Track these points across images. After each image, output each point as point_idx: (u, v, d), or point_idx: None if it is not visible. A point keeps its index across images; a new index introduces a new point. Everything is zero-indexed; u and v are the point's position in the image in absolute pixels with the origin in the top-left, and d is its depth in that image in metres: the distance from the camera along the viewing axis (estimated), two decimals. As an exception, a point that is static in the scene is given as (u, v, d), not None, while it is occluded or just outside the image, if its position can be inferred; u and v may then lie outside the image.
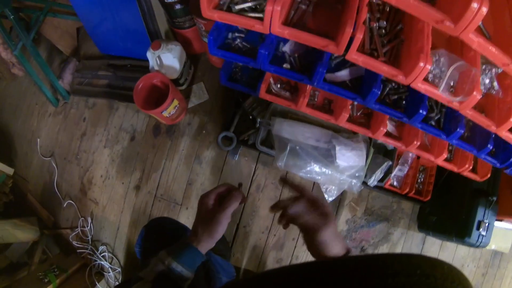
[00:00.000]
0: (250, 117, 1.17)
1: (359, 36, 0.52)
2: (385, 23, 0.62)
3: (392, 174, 1.10)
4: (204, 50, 1.29)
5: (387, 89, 0.75)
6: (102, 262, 1.28)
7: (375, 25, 0.61)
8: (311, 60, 0.75)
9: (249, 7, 0.64)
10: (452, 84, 0.58)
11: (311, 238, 0.53)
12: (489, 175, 0.87)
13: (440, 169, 1.13)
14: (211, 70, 1.29)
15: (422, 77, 0.53)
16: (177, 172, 1.27)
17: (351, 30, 0.52)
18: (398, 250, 1.25)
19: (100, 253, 1.29)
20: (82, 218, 1.32)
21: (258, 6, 0.64)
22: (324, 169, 1.00)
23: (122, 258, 1.30)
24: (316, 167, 1.00)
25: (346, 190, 1.07)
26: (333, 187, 1.12)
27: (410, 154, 1.12)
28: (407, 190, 1.10)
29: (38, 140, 1.40)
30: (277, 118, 1.04)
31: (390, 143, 0.87)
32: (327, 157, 1.01)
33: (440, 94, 0.55)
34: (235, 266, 1.22)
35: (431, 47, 0.53)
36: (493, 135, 0.67)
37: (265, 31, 0.61)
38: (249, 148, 1.20)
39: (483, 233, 1.01)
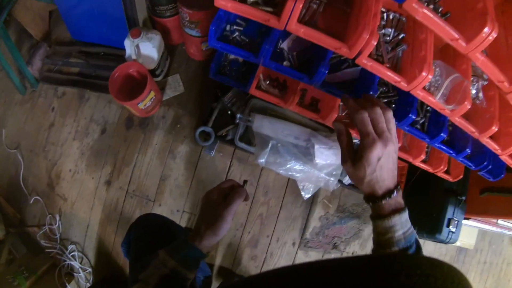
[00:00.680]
0: (229, 112, 1.15)
1: (373, 43, 0.54)
2: (390, 30, 0.64)
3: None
4: (182, 40, 1.24)
5: (378, 92, 0.76)
6: (72, 262, 1.23)
7: (381, 32, 0.64)
8: (307, 59, 0.76)
9: (263, 0, 0.62)
10: (445, 93, 0.63)
11: (366, 156, 0.48)
12: (461, 176, 0.91)
13: (411, 169, 1.16)
14: (187, 61, 1.26)
15: (423, 85, 0.58)
16: (150, 167, 1.23)
17: (367, 36, 0.53)
18: (369, 246, 1.28)
19: (70, 253, 1.24)
20: (50, 215, 1.25)
21: (271, 0, 0.62)
22: (303, 167, 1.01)
23: (93, 258, 1.26)
24: (296, 165, 1.01)
25: (322, 187, 1.08)
26: (310, 185, 1.13)
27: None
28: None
29: (4, 130, 1.32)
30: (257, 115, 1.03)
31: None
32: (306, 155, 1.01)
33: (436, 101, 0.60)
34: (209, 264, 1.22)
35: (428, 57, 0.57)
36: (471, 140, 0.72)
37: (280, 27, 0.59)
38: (225, 144, 1.18)
39: (453, 230, 1.07)
